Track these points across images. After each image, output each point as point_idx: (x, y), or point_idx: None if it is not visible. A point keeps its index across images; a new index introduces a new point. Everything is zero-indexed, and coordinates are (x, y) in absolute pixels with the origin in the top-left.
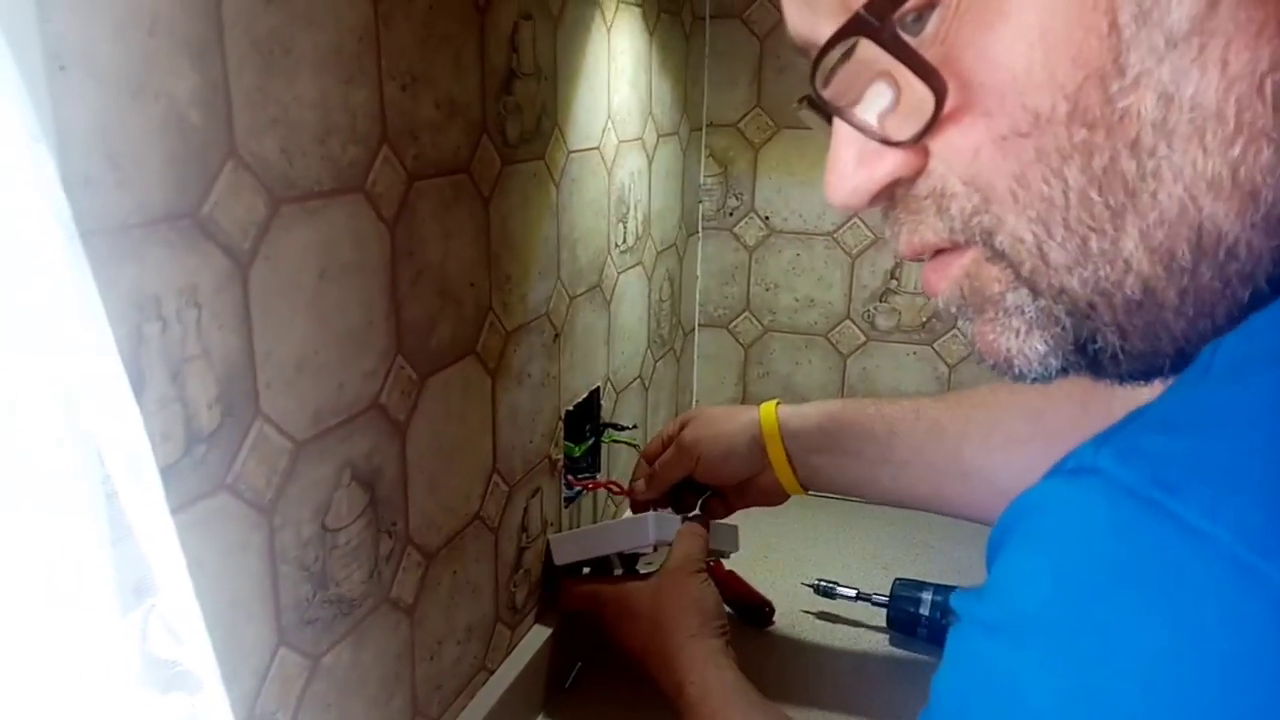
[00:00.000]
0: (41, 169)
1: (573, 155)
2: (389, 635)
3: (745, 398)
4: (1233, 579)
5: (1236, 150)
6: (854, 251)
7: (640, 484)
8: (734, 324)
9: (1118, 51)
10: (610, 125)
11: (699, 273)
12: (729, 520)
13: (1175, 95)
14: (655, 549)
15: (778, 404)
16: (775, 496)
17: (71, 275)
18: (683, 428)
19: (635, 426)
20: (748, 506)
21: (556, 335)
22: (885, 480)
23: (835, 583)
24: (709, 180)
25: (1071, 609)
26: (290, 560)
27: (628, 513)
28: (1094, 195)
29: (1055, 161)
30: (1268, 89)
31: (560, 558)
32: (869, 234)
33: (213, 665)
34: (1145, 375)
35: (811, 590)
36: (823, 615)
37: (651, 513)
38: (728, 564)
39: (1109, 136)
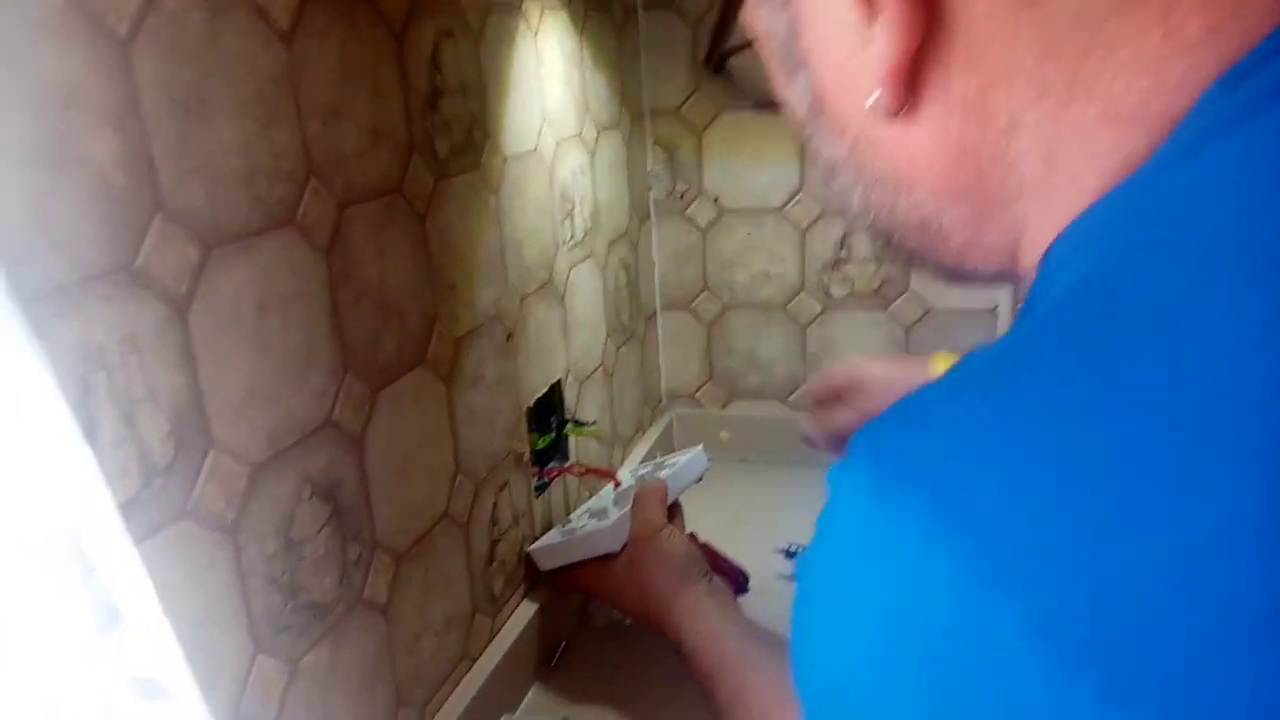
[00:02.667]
0: None
1: (510, 160)
2: (366, 634)
3: (712, 374)
4: (916, 555)
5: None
6: (803, 225)
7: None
8: (694, 304)
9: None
10: (545, 126)
11: (655, 257)
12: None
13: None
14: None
15: (946, 356)
16: None
17: (13, 340)
18: (856, 393)
19: (596, 422)
20: None
21: (509, 335)
22: None
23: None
24: (656, 167)
25: (824, 569)
26: (258, 574)
27: (600, 494)
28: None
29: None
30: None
31: (545, 565)
32: (816, 206)
33: (188, 679)
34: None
35: (783, 555)
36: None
37: (624, 510)
38: (703, 537)
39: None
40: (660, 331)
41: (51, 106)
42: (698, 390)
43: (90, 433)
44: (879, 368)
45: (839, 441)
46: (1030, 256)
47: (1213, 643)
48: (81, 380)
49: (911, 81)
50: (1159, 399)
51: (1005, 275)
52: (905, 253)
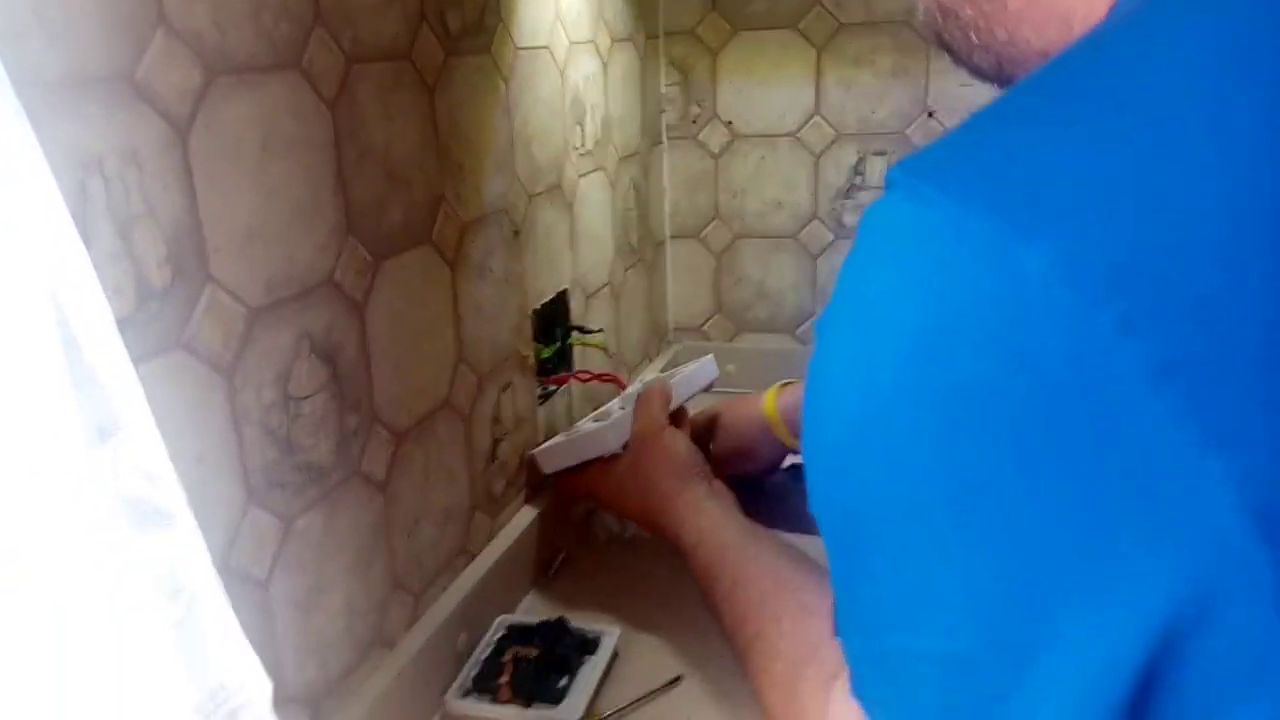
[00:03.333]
0: None
1: (521, 52)
2: (362, 507)
3: (720, 305)
4: (945, 226)
5: None
6: (817, 150)
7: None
8: (704, 233)
9: None
10: (559, 24)
11: (666, 184)
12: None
13: None
14: None
15: (779, 387)
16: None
17: (10, 121)
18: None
19: (601, 330)
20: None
21: (516, 232)
22: None
23: None
24: (669, 89)
25: (855, 293)
26: (254, 422)
27: (606, 405)
28: None
29: None
30: None
31: (548, 468)
32: (831, 131)
33: (183, 501)
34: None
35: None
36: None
37: (627, 410)
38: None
39: None
40: (669, 261)
41: None
42: (705, 323)
43: (86, 241)
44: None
45: None
46: (1085, 32)
47: (1222, 276)
48: (79, 185)
49: None
50: (1176, 87)
51: None
52: (958, 42)
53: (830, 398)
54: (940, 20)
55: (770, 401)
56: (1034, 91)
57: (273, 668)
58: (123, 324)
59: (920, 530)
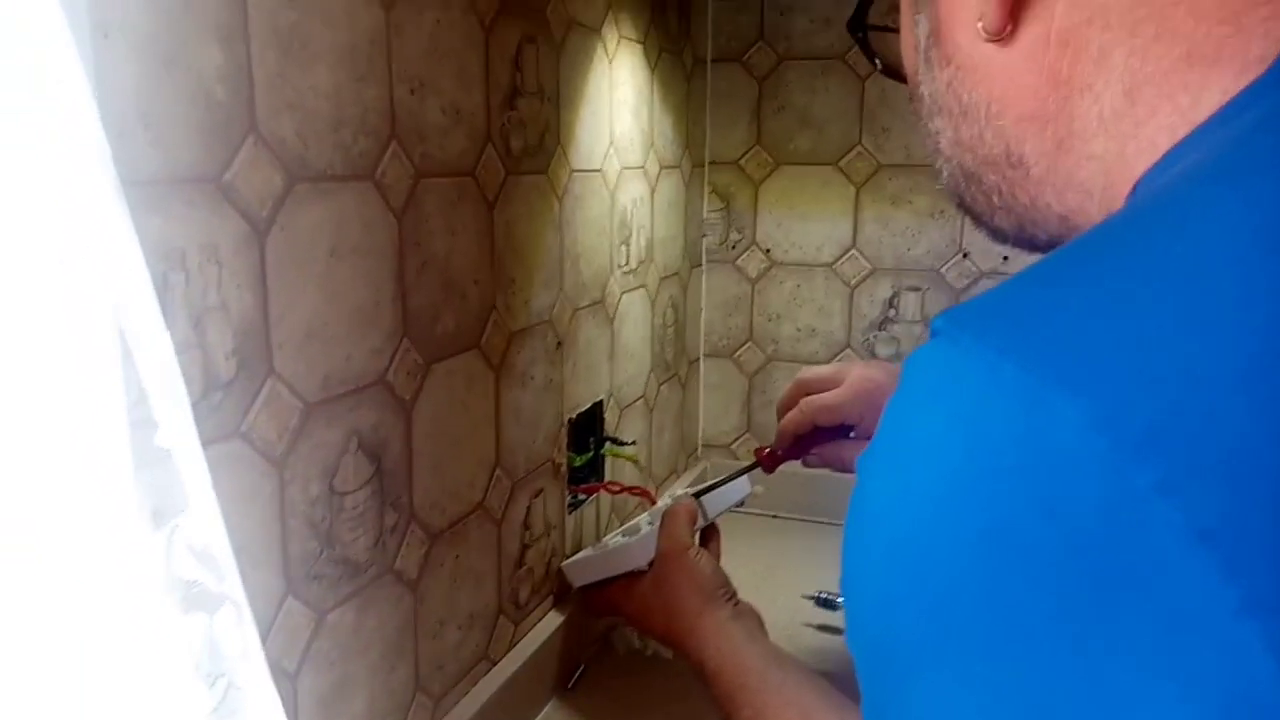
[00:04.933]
0: (89, 117)
1: (575, 174)
2: (393, 606)
3: (750, 425)
4: (984, 373)
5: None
6: (853, 282)
7: (815, 461)
8: (738, 354)
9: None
10: (613, 150)
11: (703, 304)
12: (725, 478)
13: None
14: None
15: None
16: None
17: (116, 213)
18: (857, 403)
19: (635, 442)
20: None
21: (559, 343)
22: None
23: (836, 594)
24: (712, 215)
25: (896, 432)
26: (299, 515)
27: (637, 519)
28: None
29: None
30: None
31: (576, 581)
32: (867, 264)
33: (238, 585)
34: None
35: (813, 603)
36: (823, 627)
37: (655, 526)
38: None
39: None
40: (702, 378)
41: (170, 6)
42: (734, 441)
43: None
44: (887, 381)
45: (798, 446)
46: (1106, 202)
47: (1256, 440)
48: (161, 277)
49: (1015, 8)
50: (1221, 248)
51: (1071, 231)
52: (979, 204)
53: (868, 531)
54: (963, 184)
55: None
56: (1073, 257)
57: None
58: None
59: (948, 671)
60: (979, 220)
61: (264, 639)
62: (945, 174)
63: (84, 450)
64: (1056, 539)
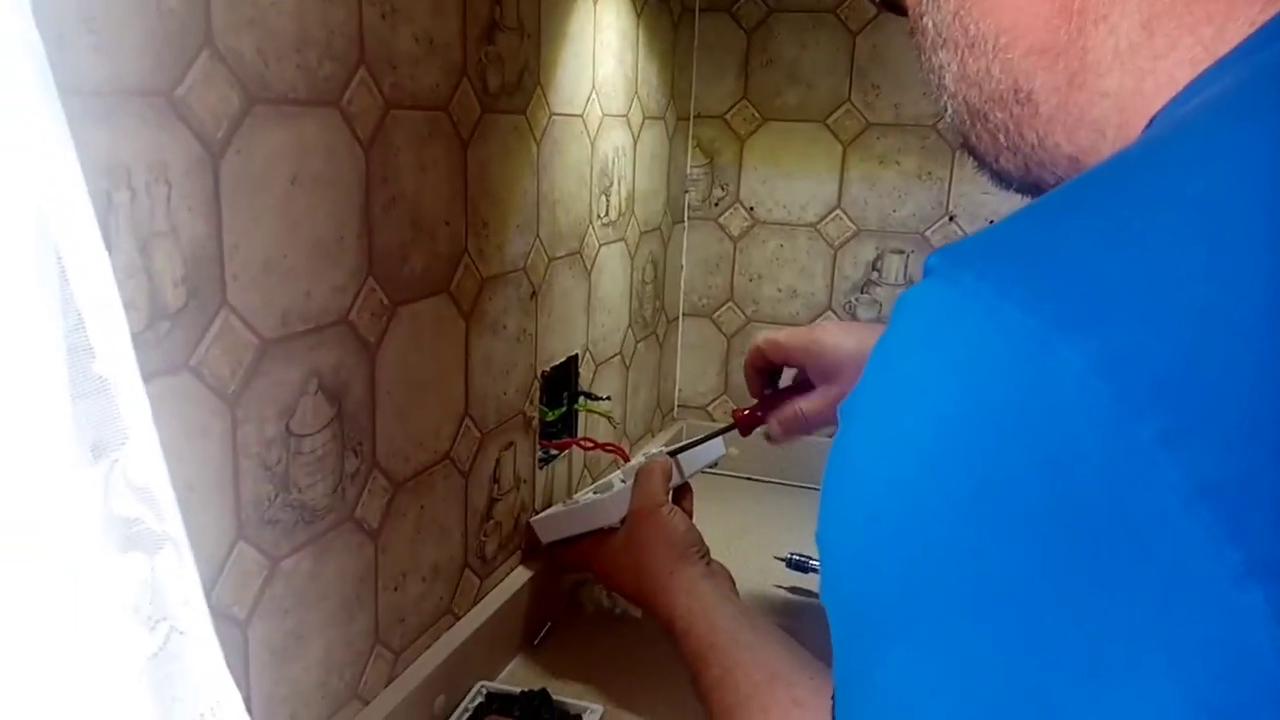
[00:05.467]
0: (21, 17)
1: (555, 118)
2: (352, 555)
3: (728, 387)
4: (982, 315)
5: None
6: (836, 243)
7: (775, 429)
8: (717, 314)
9: None
10: (595, 95)
11: (684, 262)
12: (701, 437)
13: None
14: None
15: None
16: None
17: (50, 119)
18: (807, 354)
19: (609, 398)
20: None
21: (534, 293)
22: None
23: (808, 557)
24: (695, 170)
25: (883, 376)
26: (252, 456)
27: (608, 477)
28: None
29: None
30: None
31: (546, 537)
32: (851, 225)
33: (179, 525)
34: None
35: (784, 565)
36: (795, 589)
37: (628, 484)
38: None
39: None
40: (680, 337)
41: None
42: (711, 403)
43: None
44: (843, 333)
45: (791, 427)
46: (1119, 143)
47: (1273, 395)
48: (104, 194)
49: None
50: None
51: (1080, 171)
52: (985, 144)
53: (850, 482)
54: (968, 121)
55: None
56: (1084, 189)
57: None
58: (132, 340)
59: (929, 637)
60: (983, 162)
61: (213, 584)
62: (949, 111)
63: (15, 376)
64: (1054, 498)
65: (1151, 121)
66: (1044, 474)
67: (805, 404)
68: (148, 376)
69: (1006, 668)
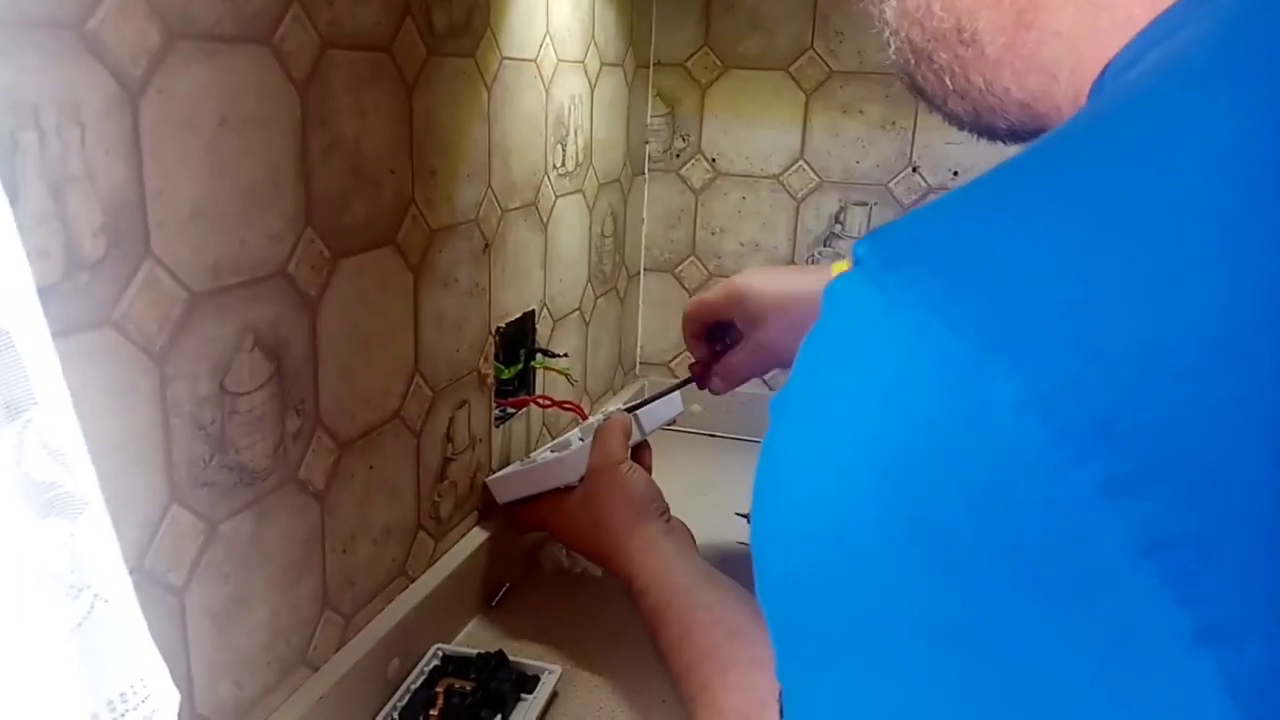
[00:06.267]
0: None
1: (506, 62)
2: (296, 517)
3: None
4: (909, 332)
5: None
6: (799, 195)
7: (717, 383)
8: (679, 269)
9: None
10: (549, 39)
11: (645, 215)
12: (659, 393)
13: None
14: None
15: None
16: None
17: None
18: (747, 319)
19: (567, 355)
20: None
21: (486, 246)
22: None
23: None
24: (655, 120)
25: (809, 380)
26: (184, 415)
27: (566, 435)
28: None
29: None
30: None
31: (502, 497)
32: (814, 177)
33: (96, 489)
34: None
35: (745, 520)
36: None
37: (586, 442)
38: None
39: None
40: (641, 294)
41: None
42: (673, 359)
43: (11, 198)
44: (764, 279)
45: (729, 380)
46: (1075, 86)
47: (1229, 440)
48: (9, 135)
49: None
50: (1194, 179)
51: (1034, 120)
52: (931, 86)
53: (778, 488)
54: (912, 61)
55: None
56: (1025, 176)
57: (182, 682)
58: (45, 292)
59: (854, 667)
60: (932, 104)
61: (147, 548)
62: (892, 48)
63: None
64: (987, 544)
65: (1105, 71)
66: (976, 518)
67: (735, 357)
68: (66, 331)
69: (931, 712)
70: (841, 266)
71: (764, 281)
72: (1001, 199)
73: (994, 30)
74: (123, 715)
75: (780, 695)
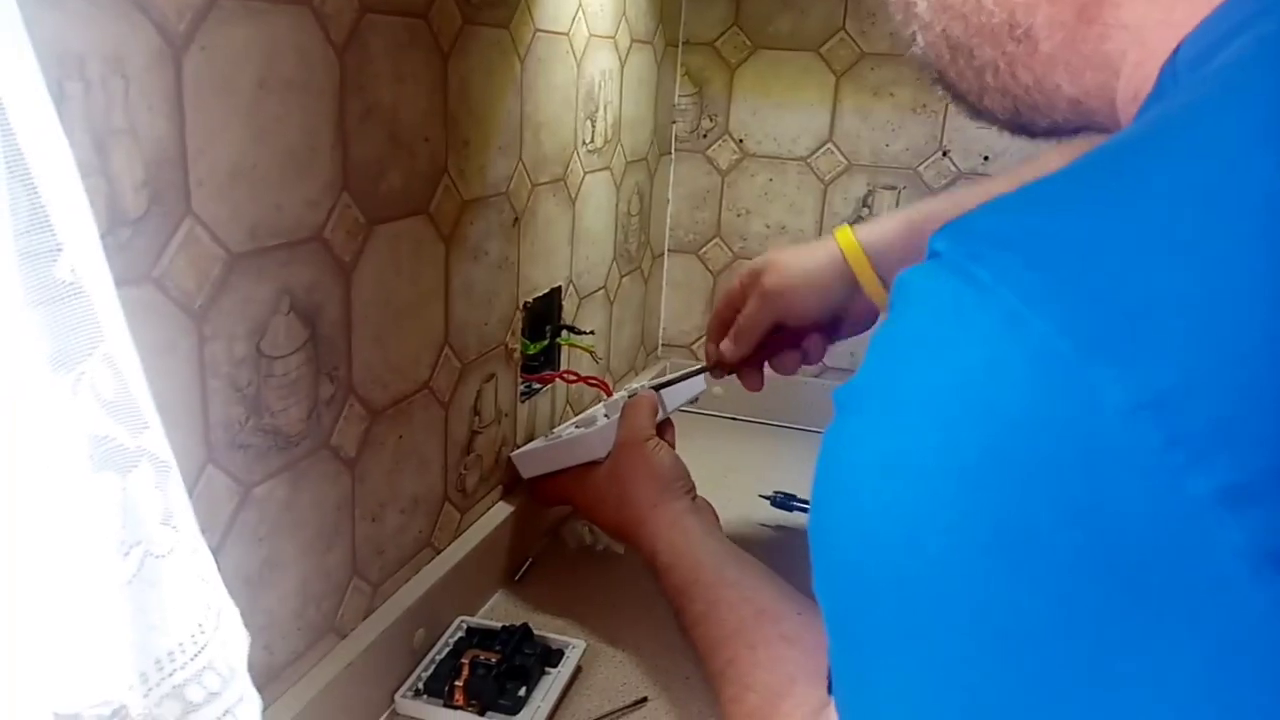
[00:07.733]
0: None
1: (540, 34)
2: (328, 483)
3: None
4: (1002, 326)
5: None
6: (827, 178)
7: (727, 344)
8: (704, 250)
9: None
10: (581, 13)
11: (670, 196)
12: (683, 373)
13: None
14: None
15: (851, 226)
16: (872, 319)
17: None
18: (755, 279)
19: (593, 332)
20: (847, 337)
21: (516, 219)
22: None
23: (792, 495)
24: (683, 100)
25: (888, 376)
26: (221, 376)
27: (591, 410)
28: None
29: None
30: None
31: (527, 472)
32: (843, 160)
33: (161, 436)
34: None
35: (769, 503)
36: (779, 528)
37: (612, 418)
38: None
39: None
40: (665, 275)
41: None
42: (695, 341)
43: None
44: (781, 251)
45: (753, 363)
46: (1136, 81)
47: None
48: (56, 84)
49: None
50: None
51: (1080, 117)
52: (967, 82)
53: (846, 487)
54: (947, 56)
55: (847, 240)
56: (1122, 168)
57: None
58: None
59: (931, 684)
60: (962, 100)
61: None
62: (921, 42)
63: None
64: (1089, 556)
65: (1174, 61)
66: (1076, 527)
67: (743, 314)
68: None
69: None
70: (844, 231)
71: (794, 261)
72: (1097, 193)
73: (1052, 26)
74: (171, 674)
75: (829, 673)
